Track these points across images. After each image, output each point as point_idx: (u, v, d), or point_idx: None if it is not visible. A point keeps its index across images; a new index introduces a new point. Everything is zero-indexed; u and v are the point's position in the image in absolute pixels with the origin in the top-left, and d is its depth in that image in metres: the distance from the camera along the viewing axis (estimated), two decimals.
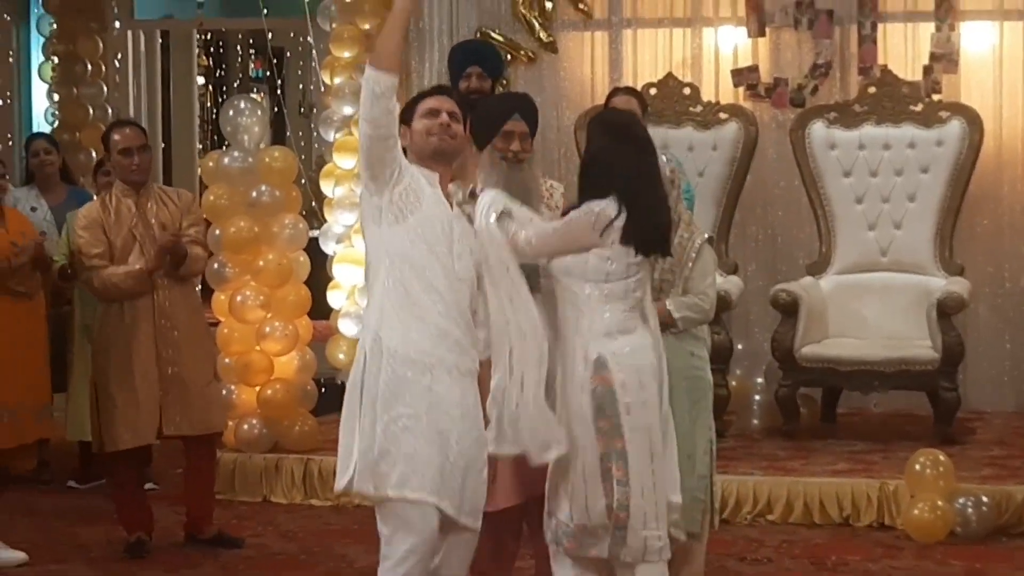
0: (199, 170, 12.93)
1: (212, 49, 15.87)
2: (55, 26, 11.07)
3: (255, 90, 16.43)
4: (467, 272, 4.70)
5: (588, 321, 4.73)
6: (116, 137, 6.74)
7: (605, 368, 4.70)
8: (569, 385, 4.76)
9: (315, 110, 14.85)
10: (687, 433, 5.42)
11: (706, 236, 5.59)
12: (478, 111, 5.41)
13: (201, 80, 14.26)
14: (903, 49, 9.12)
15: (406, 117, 4.79)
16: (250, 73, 16.70)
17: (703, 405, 5.51)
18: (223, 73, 16.26)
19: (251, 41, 16.13)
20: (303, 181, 9.39)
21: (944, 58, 9.00)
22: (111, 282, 6.63)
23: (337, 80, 9.56)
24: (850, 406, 8.84)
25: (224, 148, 8.23)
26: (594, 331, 4.72)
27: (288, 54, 15.22)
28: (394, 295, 4.62)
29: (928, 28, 9.05)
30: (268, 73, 16.39)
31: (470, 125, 5.08)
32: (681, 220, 5.43)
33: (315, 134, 14.61)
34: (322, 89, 9.84)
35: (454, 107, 4.82)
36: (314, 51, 9.88)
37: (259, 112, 7.97)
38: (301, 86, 15.76)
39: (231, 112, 7.86)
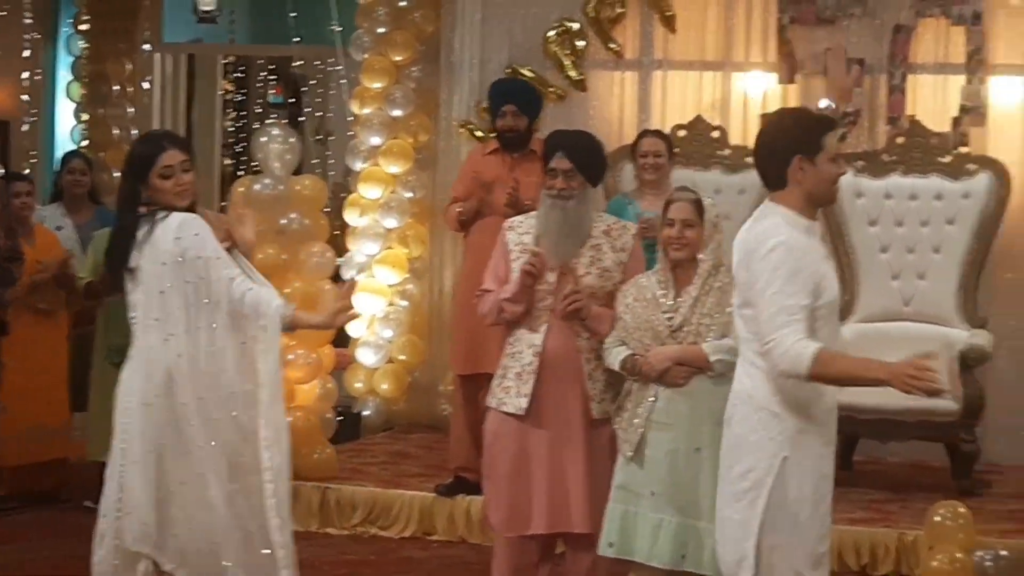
0: (218, 193, 13.01)
1: (234, 74, 15.88)
2: (85, 46, 11.10)
3: (275, 116, 16.46)
4: None
5: None
6: None
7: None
8: None
9: (332, 137, 14.91)
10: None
11: None
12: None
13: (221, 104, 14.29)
14: (932, 100, 9.14)
15: None
16: (269, 99, 16.70)
17: None
18: (243, 98, 16.26)
19: (272, 67, 16.14)
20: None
21: (973, 111, 9.02)
22: None
23: (366, 110, 9.60)
24: (867, 454, 8.80)
25: (250, 173, 8.23)
26: None
27: (312, 81, 15.25)
28: None
29: (958, 80, 9.07)
30: (290, 100, 16.44)
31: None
32: (724, 265, 5.37)
33: (330, 162, 14.71)
34: (349, 118, 9.87)
35: None
36: (345, 80, 9.89)
37: (291, 139, 7.93)
38: (320, 113, 15.77)
39: (264, 139, 7.84)
